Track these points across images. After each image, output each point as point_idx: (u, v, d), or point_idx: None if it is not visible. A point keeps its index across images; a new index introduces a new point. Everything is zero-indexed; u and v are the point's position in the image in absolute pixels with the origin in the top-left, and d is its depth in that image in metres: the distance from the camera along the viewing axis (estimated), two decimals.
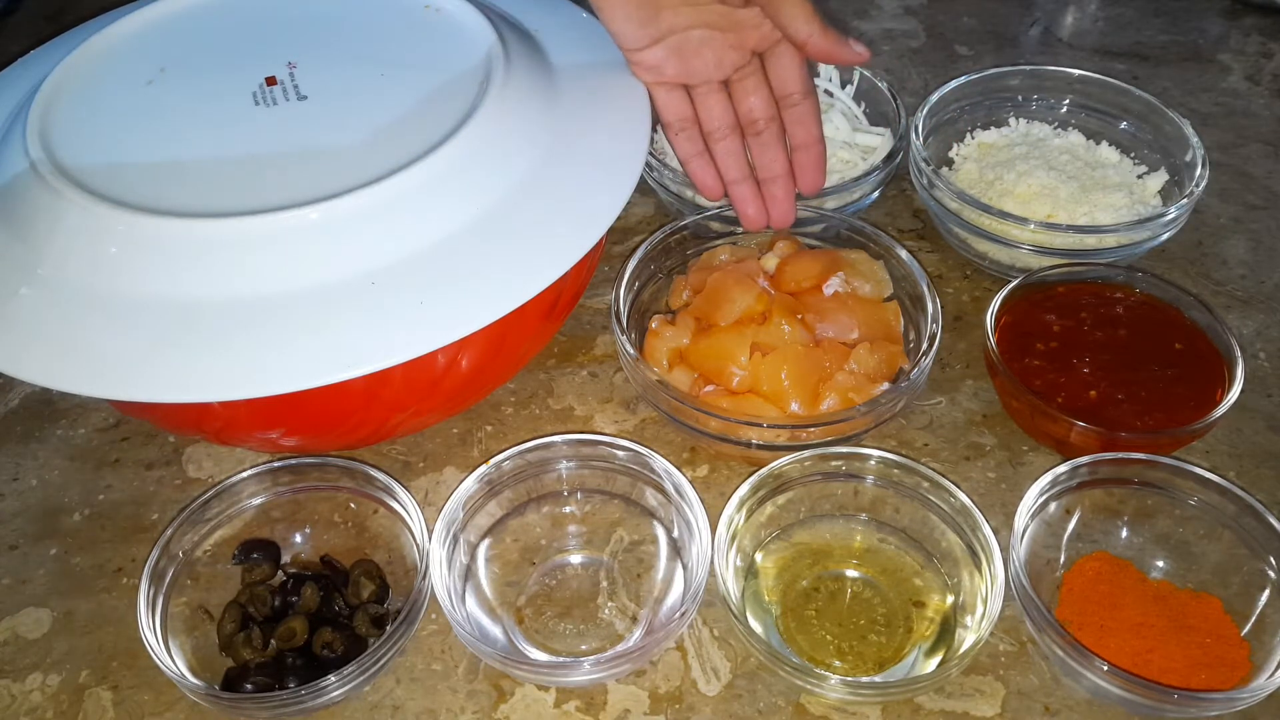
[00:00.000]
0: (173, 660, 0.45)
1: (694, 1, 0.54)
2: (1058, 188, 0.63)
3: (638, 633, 0.48)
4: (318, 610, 0.48)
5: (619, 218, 0.51)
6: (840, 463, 0.50)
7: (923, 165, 0.63)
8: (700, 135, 0.58)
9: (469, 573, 0.50)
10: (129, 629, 0.49)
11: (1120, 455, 0.49)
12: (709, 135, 0.58)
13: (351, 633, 0.47)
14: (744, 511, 0.49)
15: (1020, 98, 0.70)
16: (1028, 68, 0.70)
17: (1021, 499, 0.48)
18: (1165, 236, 0.61)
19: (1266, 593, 0.46)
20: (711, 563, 0.46)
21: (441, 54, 0.56)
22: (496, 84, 0.52)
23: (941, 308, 0.54)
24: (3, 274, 0.48)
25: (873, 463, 0.50)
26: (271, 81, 0.54)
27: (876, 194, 0.65)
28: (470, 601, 0.49)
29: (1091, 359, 0.54)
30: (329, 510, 0.52)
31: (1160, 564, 0.49)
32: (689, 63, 0.56)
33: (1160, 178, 0.65)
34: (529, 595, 0.50)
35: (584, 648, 0.48)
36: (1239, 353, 0.53)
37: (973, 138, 0.69)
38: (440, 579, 0.47)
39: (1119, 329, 0.56)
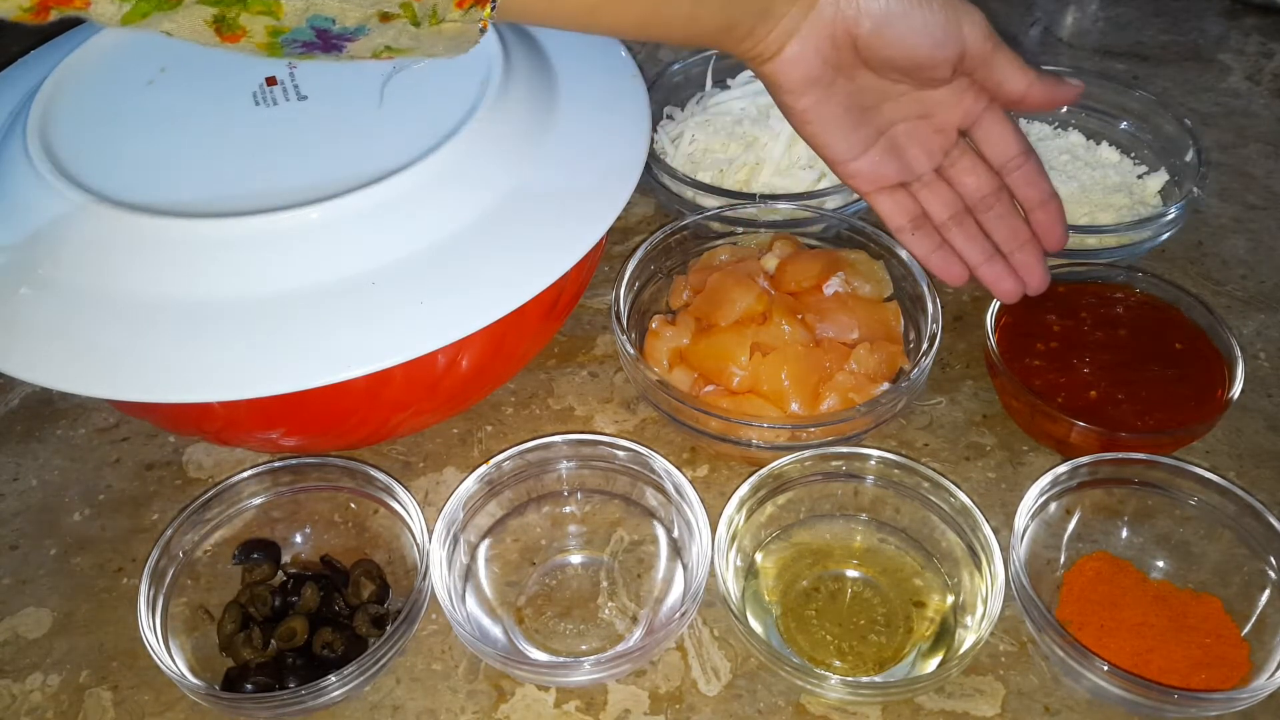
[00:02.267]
0: (173, 660, 0.45)
1: (892, 96, 0.51)
2: (1058, 188, 0.63)
3: (638, 633, 0.48)
4: (318, 610, 0.48)
5: (619, 218, 0.51)
6: (840, 463, 0.50)
7: None
8: (933, 229, 0.55)
9: (469, 573, 0.50)
10: (129, 629, 0.49)
11: (1120, 455, 0.49)
12: (941, 227, 0.55)
13: (351, 633, 0.47)
14: (744, 511, 0.49)
15: None
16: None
17: (1021, 499, 0.48)
18: (1165, 236, 0.61)
19: (1266, 593, 0.46)
20: (711, 563, 0.46)
21: None
22: (496, 84, 0.52)
23: (941, 308, 0.54)
24: (3, 274, 0.48)
25: (873, 463, 0.50)
26: (272, 82, 0.54)
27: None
28: (470, 601, 0.49)
29: (1092, 359, 0.54)
30: (329, 510, 0.52)
31: (1160, 564, 0.49)
32: (904, 160, 0.53)
33: (1160, 178, 0.65)
34: (529, 595, 0.50)
35: (584, 648, 0.48)
36: (1239, 353, 0.53)
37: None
38: (440, 579, 0.47)
39: (1119, 329, 0.55)
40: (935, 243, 0.55)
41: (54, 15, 0.36)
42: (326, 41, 0.40)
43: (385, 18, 0.39)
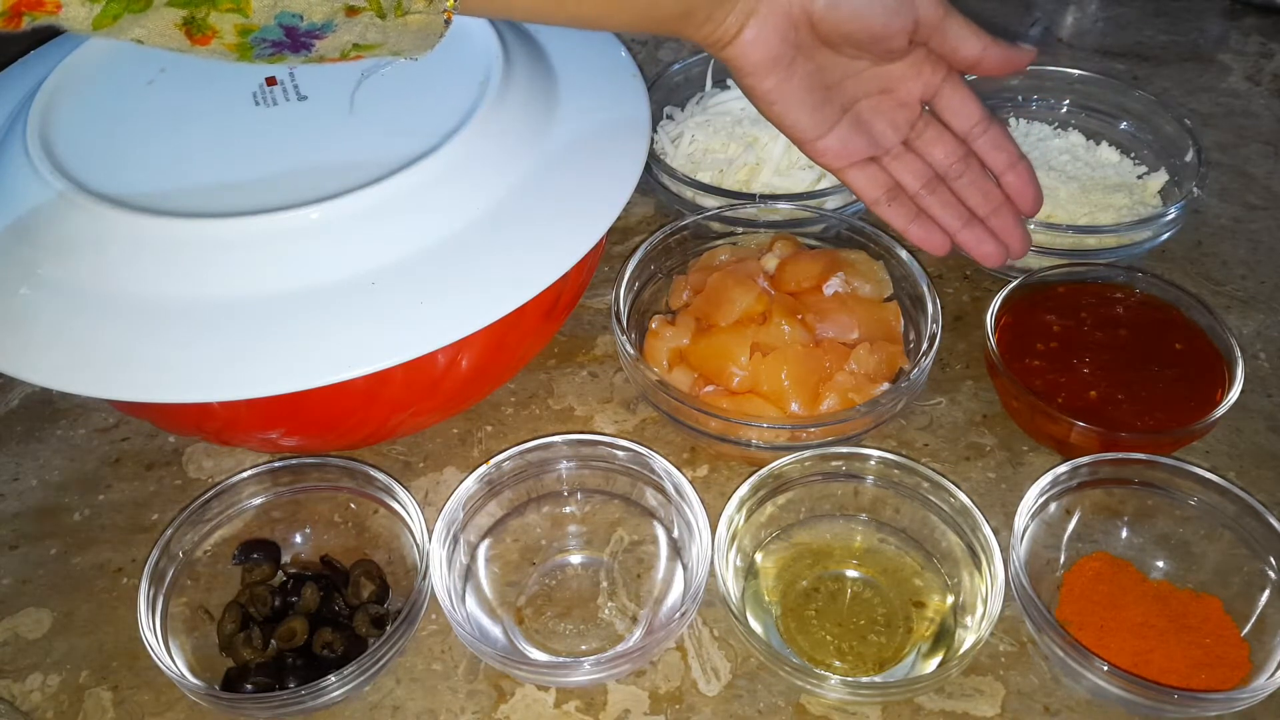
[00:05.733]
0: (173, 660, 0.45)
1: (852, 73, 0.52)
2: (1058, 188, 0.63)
3: (638, 633, 0.48)
4: (318, 610, 0.48)
5: (619, 218, 0.51)
6: (840, 463, 0.50)
7: None
8: (909, 199, 0.56)
9: (469, 573, 0.50)
10: (129, 629, 0.49)
11: (1120, 455, 0.49)
12: (916, 196, 0.56)
13: (351, 633, 0.47)
14: (744, 511, 0.49)
15: (1020, 98, 0.70)
16: (1028, 68, 0.70)
17: (1021, 499, 0.48)
18: (1165, 236, 0.61)
19: (1266, 593, 0.46)
20: (711, 563, 0.46)
21: (441, 54, 0.55)
22: (496, 84, 0.52)
23: (941, 308, 0.54)
24: (3, 274, 0.48)
25: (873, 463, 0.50)
26: (271, 82, 0.54)
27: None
28: (470, 601, 0.49)
29: (1092, 359, 0.54)
30: (329, 510, 0.52)
31: (1160, 564, 0.49)
32: (870, 134, 0.54)
33: (1160, 178, 0.65)
34: (529, 595, 0.50)
35: (584, 648, 0.48)
36: (1239, 353, 0.53)
37: None
38: (440, 579, 0.47)
39: (1119, 329, 0.55)
40: (912, 212, 0.56)
41: (27, 22, 0.36)
42: (295, 40, 0.40)
43: (351, 11, 0.40)
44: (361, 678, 0.45)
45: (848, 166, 0.55)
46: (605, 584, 0.50)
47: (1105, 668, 0.43)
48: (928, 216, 0.56)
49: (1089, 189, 0.63)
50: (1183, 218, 0.60)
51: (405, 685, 0.47)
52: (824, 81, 0.52)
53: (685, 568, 0.49)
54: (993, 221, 0.56)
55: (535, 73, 0.55)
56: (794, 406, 0.52)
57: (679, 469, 0.49)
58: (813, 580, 0.49)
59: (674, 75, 0.71)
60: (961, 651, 0.44)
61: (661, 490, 0.50)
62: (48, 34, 0.61)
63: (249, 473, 0.51)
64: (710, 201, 0.63)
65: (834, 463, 0.50)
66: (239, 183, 0.49)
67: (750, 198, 0.62)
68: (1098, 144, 0.68)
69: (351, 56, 0.42)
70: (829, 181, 0.65)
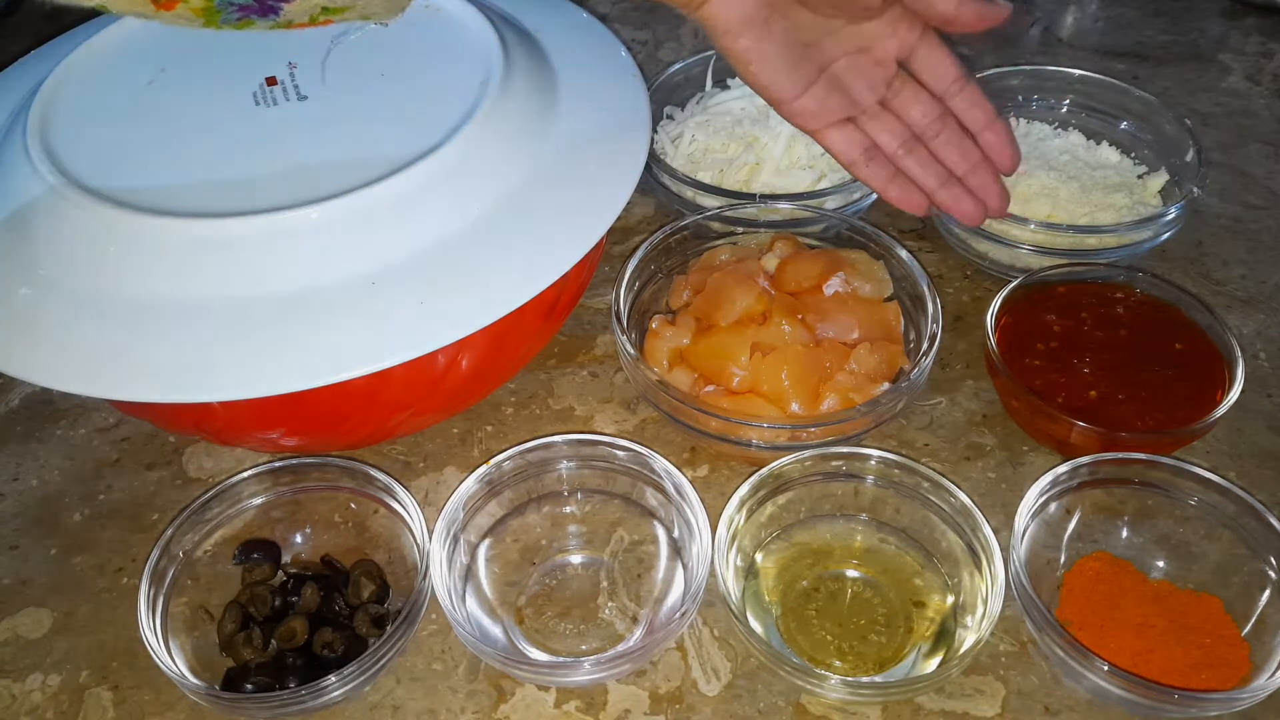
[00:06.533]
0: (173, 660, 0.45)
1: (829, 31, 0.52)
2: (1058, 188, 0.63)
3: (638, 633, 0.48)
4: (318, 610, 0.48)
5: (619, 218, 0.51)
6: (840, 463, 0.50)
7: None
8: (886, 159, 0.56)
9: (469, 573, 0.50)
10: (129, 629, 0.49)
11: (1120, 455, 0.49)
12: (893, 157, 0.56)
13: (351, 633, 0.47)
14: (744, 511, 0.49)
15: (1020, 98, 0.70)
16: (1028, 68, 0.70)
17: (1021, 499, 0.48)
18: (1165, 236, 0.61)
19: (1266, 593, 0.46)
20: (711, 563, 0.46)
21: (441, 54, 0.56)
22: (496, 84, 0.52)
23: (941, 308, 0.54)
24: (3, 274, 0.48)
25: (873, 463, 0.50)
26: (272, 82, 0.54)
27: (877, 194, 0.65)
28: (470, 601, 0.49)
29: (1092, 359, 0.54)
30: (329, 510, 0.52)
31: (1160, 564, 0.49)
32: (847, 94, 0.54)
33: (1160, 178, 0.65)
34: (529, 595, 0.50)
35: (584, 648, 0.48)
36: (1239, 353, 0.53)
37: None
38: (440, 579, 0.47)
39: (1119, 329, 0.56)
40: (890, 173, 0.56)
41: None
42: (262, 3, 0.39)
43: None
44: (361, 678, 0.45)
45: (825, 127, 0.55)
46: (605, 584, 0.50)
47: (1105, 668, 0.43)
48: (906, 176, 0.56)
49: (1089, 189, 0.63)
50: (1183, 218, 0.60)
51: (405, 685, 0.47)
52: (800, 40, 0.52)
53: (685, 567, 0.49)
54: (971, 180, 0.56)
55: (535, 73, 0.55)
56: (794, 406, 0.52)
57: (679, 469, 0.49)
58: (813, 580, 0.49)
59: (674, 75, 0.71)
60: (962, 651, 0.44)
61: (661, 490, 0.50)
62: (47, 34, 0.62)
63: (249, 473, 0.51)
64: (710, 201, 0.63)
65: (834, 463, 0.50)
66: (239, 182, 0.49)
67: (750, 198, 0.62)
68: (1098, 144, 0.68)
69: (320, 20, 0.41)
70: (829, 182, 0.65)
